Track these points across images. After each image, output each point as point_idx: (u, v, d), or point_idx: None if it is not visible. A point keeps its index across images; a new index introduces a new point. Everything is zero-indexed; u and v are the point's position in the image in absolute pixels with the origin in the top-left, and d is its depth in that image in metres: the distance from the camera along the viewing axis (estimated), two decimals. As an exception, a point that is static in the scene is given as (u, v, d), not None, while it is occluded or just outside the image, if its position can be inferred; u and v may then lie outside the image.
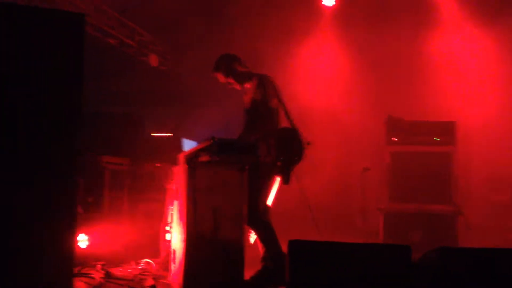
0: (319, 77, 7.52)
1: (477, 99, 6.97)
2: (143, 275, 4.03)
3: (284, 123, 4.02)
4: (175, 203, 3.81)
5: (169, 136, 6.09)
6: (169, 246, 3.92)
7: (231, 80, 4.11)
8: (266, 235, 3.78)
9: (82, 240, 4.34)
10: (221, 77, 4.15)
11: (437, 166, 5.56)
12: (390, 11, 7.05)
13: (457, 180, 5.52)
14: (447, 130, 5.59)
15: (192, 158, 3.56)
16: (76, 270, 3.64)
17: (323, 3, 7.25)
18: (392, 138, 5.79)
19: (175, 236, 3.74)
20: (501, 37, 6.87)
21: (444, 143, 5.55)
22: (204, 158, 3.51)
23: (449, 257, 2.87)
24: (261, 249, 3.82)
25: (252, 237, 3.84)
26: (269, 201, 3.98)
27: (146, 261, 4.31)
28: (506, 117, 6.57)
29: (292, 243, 2.95)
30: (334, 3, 7.22)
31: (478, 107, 6.89)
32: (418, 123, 5.88)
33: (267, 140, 3.82)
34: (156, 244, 4.24)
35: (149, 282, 3.77)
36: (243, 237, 3.56)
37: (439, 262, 2.88)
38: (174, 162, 3.91)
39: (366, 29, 7.34)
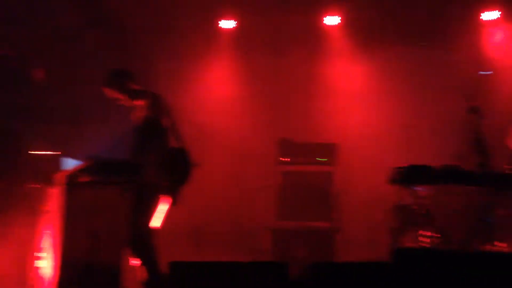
0: (214, 98, 7.60)
1: (359, 122, 7.48)
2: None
3: (174, 144, 3.99)
4: (49, 226, 3.59)
5: (50, 154, 5.74)
6: (41, 275, 3.66)
7: (122, 96, 4.01)
8: (147, 258, 3.69)
9: None
10: (111, 92, 4.02)
11: (320, 185, 5.92)
12: (286, 35, 7.36)
13: (337, 198, 5.87)
14: (328, 151, 5.97)
15: (70, 178, 3.40)
16: None
17: (220, 25, 7.38)
18: (283, 158, 6.05)
19: (48, 263, 3.51)
20: (383, 65, 7.48)
21: (326, 164, 5.91)
22: (84, 178, 3.37)
23: (321, 272, 3.03)
24: (140, 272, 3.72)
25: (133, 260, 3.72)
26: (156, 223, 3.91)
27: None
28: (384, 140, 7.10)
29: (173, 265, 2.94)
30: (234, 25, 7.37)
31: (360, 129, 7.40)
32: (305, 145, 6.21)
33: (155, 160, 3.76)
34: (24, 273, 3.92)
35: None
36: (123, 261, 3.46)
37: (313, 277, 3.04)
38: (52, 183, 3.69)
39: (263, 52, 7.59)
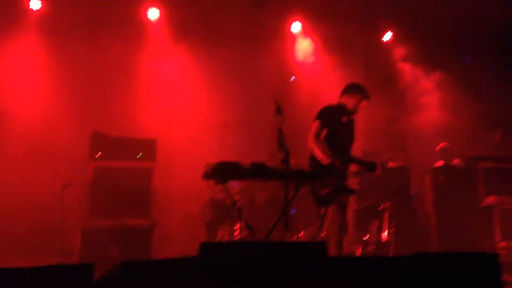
0: (18, 84, 6.84)
1: (177, 118, 7.55)
2: None
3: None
4: None
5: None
6: None
7: None
8: None
9: None
10: None
11: (138, 181, 5.76)
12: (102, 23, 7.00)
13: (156, 195, 5.83)
14: (148, 146, 5.87)
15: None
16: None
17: (29, 6, 6.68)
18: (96, 154, 5.74)
19: None
20: (204, 65, 7.65)
21: (145, 159, 5.80)
22: None
23: (129, 271, 2.96)
24: None
25: None
26: None
27: None
28: (202, 136, 7.28)
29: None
30: (40, 6, 6.73)
31: (179, 126, 7.48)
32: (122, 139, 5.99)
33: None
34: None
35: None
36: None
37: (120, 278, 2.95)
38: None
39: (79, 39, 7.09)
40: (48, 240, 5.94)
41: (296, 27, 7.59)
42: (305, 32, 7.68)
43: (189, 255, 3.36)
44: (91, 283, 2.83)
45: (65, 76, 7.05)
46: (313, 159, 4.58)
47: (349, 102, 4.71)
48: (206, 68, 7.67)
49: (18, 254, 5.47)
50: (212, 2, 6.99)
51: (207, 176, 4.23)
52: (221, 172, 4.10)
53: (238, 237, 5.66)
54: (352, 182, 4.60)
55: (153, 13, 7.18)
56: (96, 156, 5.73)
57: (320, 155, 4.46)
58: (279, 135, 4.12)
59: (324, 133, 4.52)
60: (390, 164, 5.92)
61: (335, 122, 4.60)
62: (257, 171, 4.12)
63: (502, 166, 6.25)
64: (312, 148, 4.51)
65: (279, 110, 4.30)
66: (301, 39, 7.79)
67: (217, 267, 3.03)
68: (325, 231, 4.48)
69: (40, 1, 6.72)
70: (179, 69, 7.73)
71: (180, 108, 7.64)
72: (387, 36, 7.81)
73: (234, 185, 5.93)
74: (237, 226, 5.74)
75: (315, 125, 4.54)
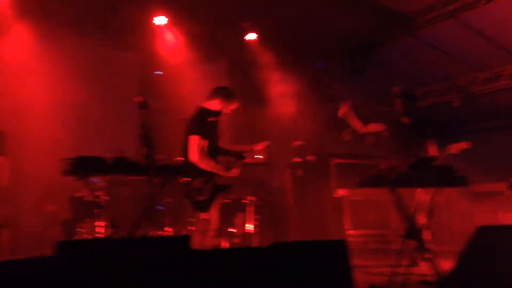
0: None
1: (35, 110, 6.96)
2: None
3: None
4: None
5: None
6: None
7: None
8: None
9: None
10: None
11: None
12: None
13: (7, 192, 5.35)
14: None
15: None
16: None
17: None
18: None
19: None
20: (63, 55, 7.14)
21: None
22: None
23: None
24: None
25: None
26: None
27: None
28: (60, 130, 6.82)
29: None
30: None
31: (35, 118, 6.90)
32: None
33: None
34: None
35: None
36: None
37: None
38: None
39: None
40: None
41: (160, 20, 7.45)
42: (169, 27, 7.59)
43: (45, 254, 3.17)
44: None
45: None
46: (190, 164, 4.54)
47: (218, 105, 4.78)
48: (66, 57, 7.19)
49: None
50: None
51: (67, 171, 4.00)
52: (83, 167, 3.91)
53: (100, 235, 5.43)
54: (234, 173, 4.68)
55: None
56: None
57: (210, 169, 4.48)
58: (142, 130, 4.04)
59: (205, 145, 4.53)
60: (256, 158, 6.19)
61: (209, 129, 4.65)
62: (121, 166, 4.00)
63: (351, 162, 6.93)
64: (199, 164, 4.48)
65: (143, 105, 4.22)
66: (166, 34, 7.70)
67: (76, 267, 2.91)
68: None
69: None
70: (34, 57, 7.11)
71: (35, 99, 7.04)
72: (251, 37, 8.07)
73: (98, 181, 5.68)
74: (99, 223, 5.51)
75: (195, 141, 4.50)
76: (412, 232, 4.00)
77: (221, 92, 4.82)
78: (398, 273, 3.85)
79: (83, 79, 7.18)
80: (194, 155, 4.45)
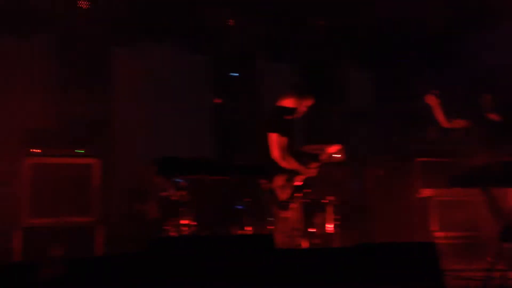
0: None
1: (125, 114, 7.33)
2: None
3: None
4: None
5: None
6: None
7: None
8: None
9: None
10: None
11: (80, 177, 5.62)
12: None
13: (100, 192, 5.70)
14: (89, 142, 5.72)
15: None
16: None
17: None
18: (32, 150, 5.52)
19: None
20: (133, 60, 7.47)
21: (86, 155, 5.65)
22: None
23: (76, 268, 2.91)
24: None
25: None
26: None
27: None
28: (149, 132, 7.15)
29: None
30: None
31: (125, 121, 7.29)
32: (59, 134, 5.81)
33: None
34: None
35: None
36: None
37: (67, 275, 2.90)
38: None
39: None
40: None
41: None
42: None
43: (136, 251, 3.34)
44: (35, 282, 2.77)
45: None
46: (270, 163, 4.60)
47: (293, 103, 4.80)
48: (146, 64, 7.49)
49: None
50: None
51: (155, 172, 4.21)
52: (169, 167, 4.10)
53: (185, 232, 5.65)
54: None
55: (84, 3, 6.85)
56: (33, 152, 5.51)
57: (290, 167, 4.53)
58: (222, 132, 4.16)
59: (285, 143, 4.59)
60: (333, 158, 6.11)
61: (286, 127, 4.70)
62: (205, 167, 4.15)
63: (436, 160, 6.61)
64: (280, 162, 4.54)
65: (221, 106, 4.35)
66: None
67: (167, 262, 3.04)
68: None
69: None
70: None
71: (124, 102, 7.42)
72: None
73: (181, 181, 5.91)
74: (184, 221, 5.73)
75: (274, 138, 4.55)
76: (508, 234, 3.77)
77: (295, 89, 4.86)
78: (494, 278, 3.64)
79: (159, 84, 7.48)
80: (275, 153, 4.50)
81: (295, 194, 4.48)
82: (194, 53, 7.77)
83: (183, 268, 3.04)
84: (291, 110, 4.75)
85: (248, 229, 6.30)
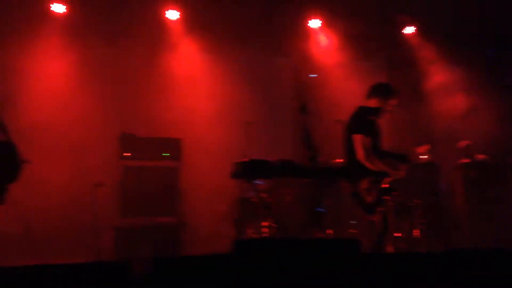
0: (47, 87, 7.00)
1: (206, 118, 7.62)
2: None
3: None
4: None
5: None
6: None
7: None
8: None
9: None
10: None
11: (165, 180, 5.85)
12: (127, 27, 7.11)
13: (183, 193, 5.90)
14: (173, 146, 5.95)
15: None
16: None
17: (52, 9, 6.81)
18: (124, 153, 5.84)
19: None
20: (226, 65, 7.71)
21: (171, 158, 5.88)
22: None
23: (164, 267, 3.02)
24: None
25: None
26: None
27: None
28: (228, 136, 7.33)
29: (-1, 272, 2.66)
30: (65, 10, 6.86)
31: (206, 125, 7.55)
32: (149, 139, 6.10)
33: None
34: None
35: None
36: None
37: (155, 273, 3.01)
38: None
39: (103, 42, 7.23)
40: (82, 238, 6.07)
41: (314, 23, 7.58)
42: (324, 28, 7.65)
43: (221, 252, 3.40)
44: (128, 279, 2.90)
45: (92, 78, 7.18)
46: (355, 165, 4.50)
47: (378, 103, 4.67)
48: (227, 66, 7.72)
49: (55, 251, 5.60)
50: (229, 1, 7.02)
51: (236, 174, 4.27)
52: (250, 170, 4.14)
53: (266, 234, 5.69)
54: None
55: (172, 14, 7.23)
56: (125, 155, 5.83)
57: (376, 169, 4.42)
58: (304, 134, 4.12)
59: (369, 144, 4.48)
60: (420, 159, 5.86)
61: (371, 127, 4.57)
62: (286, 169, 4.14)
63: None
64: (365, 163, 4.44)
65: (303, 109, 4.32)
66: (320, 35, 7.77)
67: (251, 264, 3.07)
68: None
69: (63, 5, 6.84)
70: (201, 68, 7.78)
71: (203, 107, 7.70)
72: (409, 30, 7.73)
73: (261, 183, 5.96)
74: (265, 223, 5.77)
75: (358, 140, 4.47)
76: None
77: (380, 89, 4.71)
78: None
79: (245, 86, 7.62)
80: (360, 154, 4.38)
81: (381, 197, 4.33)
82: (277, 55, 7.88)
83: (268, 270, 3.05)
84: (376, 110, 4.62)
85: (329, 232, 6.22)
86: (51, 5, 6.73)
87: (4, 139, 3.52)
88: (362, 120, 4.52)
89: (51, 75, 7.02)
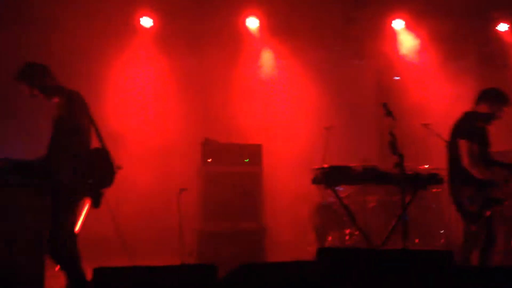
0: (135, 97, 7.42)
1: (284, 124, 7.66)
2: None
3: (95, 144, 3.82)
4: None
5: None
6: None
7: (34, 91, 3.78)
8: (68, 264, 3.52)
9: None
10: (24, 88, 3.78)
11: (247, 185, 5.91)
12: (208, 37, 7.34)
13: (264, 198, 5.94)
14: (254, 151, 6.00)
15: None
16: None
17: (141, 23, 7.20)
18: (207, 159, 5.99)
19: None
20: (305, 69, 7.70)
21: (252, 164, 5.94)
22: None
23: (249, 273, 3.04)
24: (65, 278, 3.56)
25: (55, 265, 3.55)
26: (76, 226, 3.74)
27: None
28: (307, 141, 7.30)
29: (96, 271, 2.82)
30: (152, 24, 7.23)
31: (285, 131, 7.59)
32: (230, 145, 6.21)
33: (74, 161, 3.57)
34: None
35: None
36: (43, 267, 3.27)
37: (241, 279, 3.04)
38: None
39: (185, 52, 7.51)
40: (168, 241, 6.29)
41: (398, 24, 7.33)
42: (408, 28, 7.37)
43: (305, 259, 3.36)
44: (214, 283, 2.96)
45: (177, 86, 7.49)
46: (460, 171, 4.29)
47: (488, 109, 4.41)
48: (307, 71, 7.70)
49: (142, 252, 5.86)
50: (309, 5, 6.99)
51: (317, 180, 4.21)
52: (332, 176, 4.07)
53: (348, 242, 5.57)
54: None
55: (252, 22, 7.34)
56: (207, 161, 5.98)
57: (482, 177, 4.19)
58: (390, 138, 3.98)
59: (477, 151, 4.26)
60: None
61: (479, 134, 4.34)
62: (370, 175, 4.03)
63: None
64: (471, 171, 4.23)
65: (388, 113, 4.18)
66: (404, 36, 7.49)
67: (336, 273, 3.00)
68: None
69: (151, 19, 7.20)
70: (281, 74, 7.83)
71: (283, 112, 7.74)
72: (502, 27, 7.24)
73: (342, 189, 5.85)
74: (348, 231, 5.65)
75: (465, 145, 4.25)
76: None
77: (490, 94, 4.45)
78: None
79: (325, 91, 7.56)
80: (465, 161, 4.16)
81: (486, 207, 4.06)
82: (359, 58, 7.74)
83: (354, 281, 2.97)
84: (485, 116, 4.38)
85: (416, 241, 5.96)
86: (140, 19, 7.12)
87: (100, 146, 3.73)
88: (470, 126, 4.29)
89: (140, 85, 7.43)
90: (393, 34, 7.48)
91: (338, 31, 7.31)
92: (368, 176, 4.11)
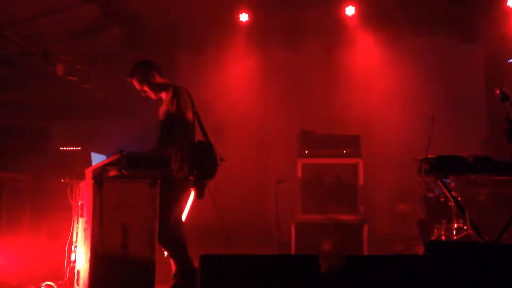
0: (234, 90, 7.61)
1: (382, 114, 7.42)
2: (44, 299, 3.75)
3: (199, 137, 3.97)
4: (81, 220, 3.62)
5: (77, 150, 5.78)
6: (74, 267, 3.71)
7: (145, 88, 4.00)
8: (177, 251, 3.70)
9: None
10: (136, 84, 4.02)
11: (344, 177, 5.81)
12: (303, 28, 7.31)
13: (362, 190, 5.80)
14: (353, 143, 5.86)
15: (99, 173, 3.40)
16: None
17: (241, 19, 7.35)
18: (304, 151, 5.97)
19: (80, 256, 3.54)
20: (400, 57, 7.39)
21: (350, 156, 5.81)
22: (112, 172, 3.37)
23: (353, 265, 2.98)
24: (173, 265, 3.74)
25: (165, 252, 3.75)
26: (183, 216, 3.91)
27: (48, 283, 3.98)
28: (406, 132, 7.01)
29: (203, 258, 2.92)
30: (248, 19, 7.35)
31: (383, 122, 7.34)
32: (327, 136, 6.13)
33: (181, 154, 3.73)
34: (60, 266, 3.97)
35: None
36: (154, 254, 3.46)
37: (344, 270, 2.99)
38: (82, 178, 3.72)
39: (282, 44, 7.56)
40: (265, 231, 6.39)
41: (512, 2, 6.70)
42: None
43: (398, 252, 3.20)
44: (318, 273, 2.94)
45: (274, 79, 7.57)
46: None
47: None
48: (407, 57, 7.39)
49: (243, 242, 6.01)
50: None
51: (425, 171, 3.99)
52: (442, 166, 3.83)
53: (456, 237, 5.26)
54: None
55: (349, 10, 7.16)
56: (304, 153, 5.95)
57: None
58: (507, 126, 3.67)
59: None
60: None
61: None
62: (483, 166, 3.74)
63: None
64: None
65: (504, 98, 3.84)
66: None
67: (445, 267, 2.85)
68: None
69: (246, 14, 7.32)
70: (377, 62, 7.58)
71: (381, 102, 7.49)
72: None
73: (447, 181, 5.51)
74: (455, 225, 5.33)
75: None
76: None
77: None
78: None
79: (427, 77, 7.20)
80: None
81: None
82: (467, 41, 7.25)
83: (464, 277, 2.80)
84: None
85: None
86: (240, 15, 7.27)
87: (204, 140, 3.85)
88: None
89: (239, 80, 7.61)
90: (508, 12, 6.85)
91: (442, 13, 6.88)
92: (481, 167, 3.82)
